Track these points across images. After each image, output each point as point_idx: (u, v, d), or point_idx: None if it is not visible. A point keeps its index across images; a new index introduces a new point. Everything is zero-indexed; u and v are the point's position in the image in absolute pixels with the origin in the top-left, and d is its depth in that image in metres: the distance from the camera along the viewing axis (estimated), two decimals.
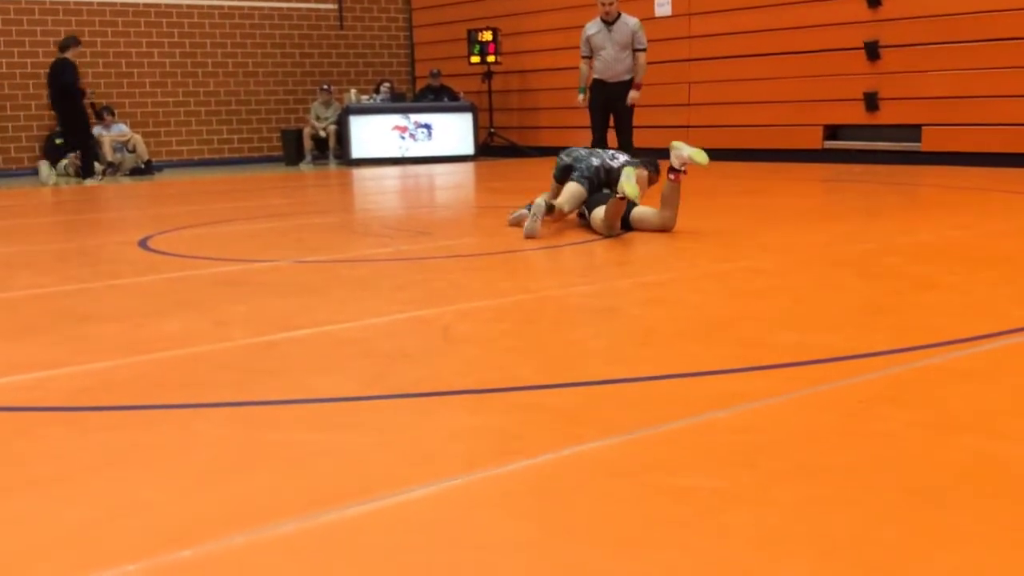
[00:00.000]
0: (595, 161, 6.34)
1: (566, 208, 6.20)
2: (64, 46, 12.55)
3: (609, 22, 8.86)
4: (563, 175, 6.45)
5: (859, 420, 2.55)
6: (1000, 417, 2.56)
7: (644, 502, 2.08)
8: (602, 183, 6.28)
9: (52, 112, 13.25)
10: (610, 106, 9.10)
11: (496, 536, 1.95)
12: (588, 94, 9.19)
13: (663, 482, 2.17)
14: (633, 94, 9.02)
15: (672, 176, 5.86)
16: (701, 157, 5.74)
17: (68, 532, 2.01)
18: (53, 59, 12.74)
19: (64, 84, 12.32)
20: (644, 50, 8.99)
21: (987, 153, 10.18)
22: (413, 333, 3.74)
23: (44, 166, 13.10)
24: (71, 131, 12.71)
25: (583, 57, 9.14)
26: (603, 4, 8.82)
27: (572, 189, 6.22)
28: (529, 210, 6.14)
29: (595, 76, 9.06)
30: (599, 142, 9.12)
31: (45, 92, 14.20)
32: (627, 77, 8.99)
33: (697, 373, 3.04)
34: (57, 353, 3.53)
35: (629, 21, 8.92)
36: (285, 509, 2.07)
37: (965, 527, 1.91)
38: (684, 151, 5.77)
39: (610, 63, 8.93)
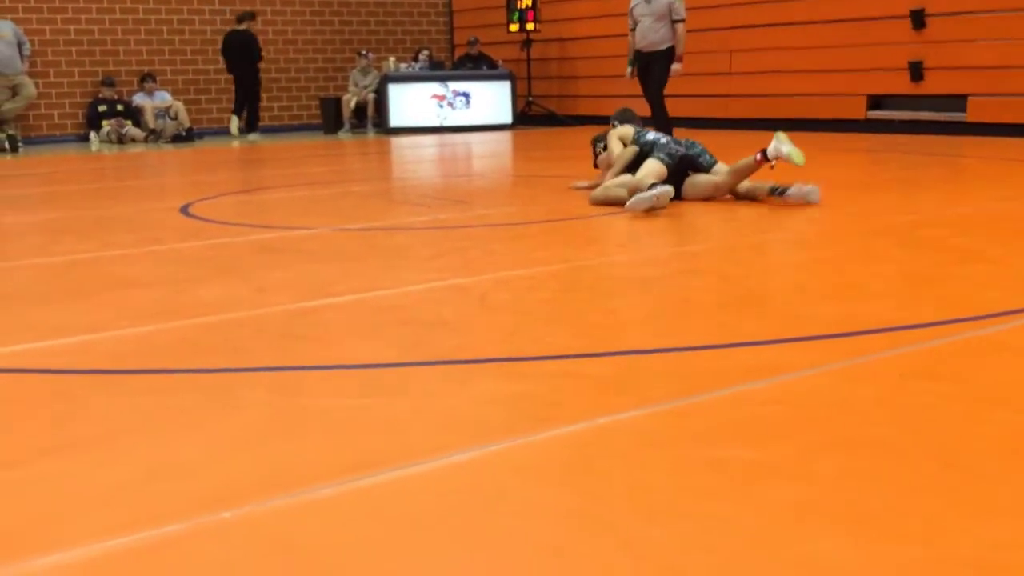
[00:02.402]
0: (679, 148, 6.10)
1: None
2: (242, 19, 14.08)
3: None
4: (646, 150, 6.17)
5: (898, 393, 2.53)
6: None
7: (680, 472, 2.08)
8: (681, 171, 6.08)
9: (232, 76, 14.38)
10: (646, 74, 9.24)
11: (533, 502, 1.96)
12: (635, 66, 9.36)
13: (699, 452, 2.17)
14: (675, 67, 9.16)
15: (759, 158, 5.75)
16: (799, 158, 5.64)
17: (109, 492, 2.05)
18: (230, 29, 14.27)
19: (250, 54, 14.02)
20: (682, 20, 9.06)
21: None
22: (451, 301, 3.75)
23: (93, 136, 13.37)
24: (248, 95, 14.25)
25: (631, 30, 9.28)
26: None
27: (654, 167, 6.00)
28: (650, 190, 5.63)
29: (636, 46, 9.21)
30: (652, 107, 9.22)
31: (87, 59, 14.34)
32: (662, 47, 9.09)
33: (735, 344, 3.02)
34: (99, 317, 3.58)
35: None
36: (324, 473, 2.09)
37: (1003, 501, 1.89)
38: (784, 147, 5.66)
39: (645, 32, 9.09)
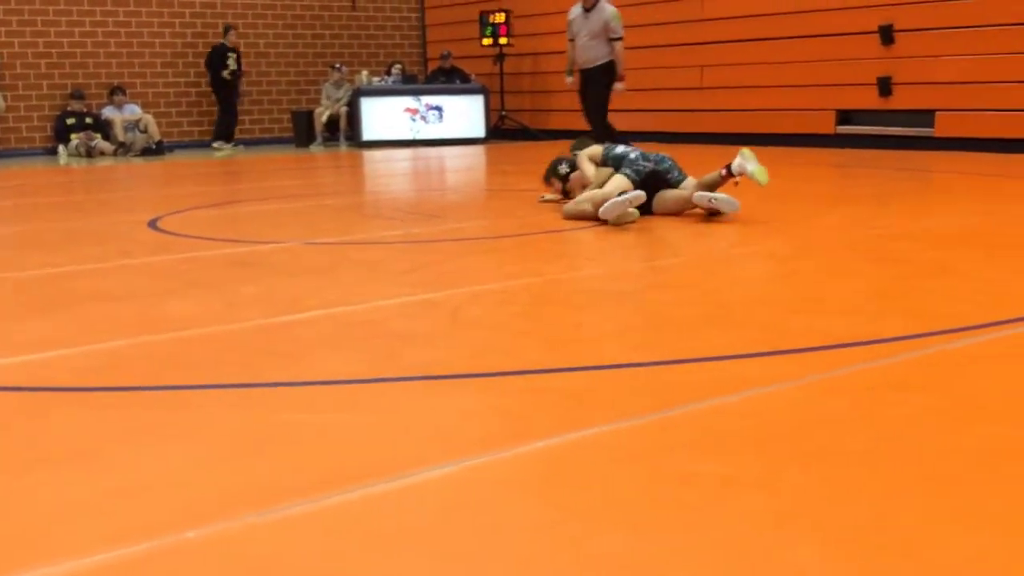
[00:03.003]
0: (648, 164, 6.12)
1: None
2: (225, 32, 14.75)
3: (587, 8, 8.95)
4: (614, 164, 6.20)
5: (871, 406, 2.54)
6: (1014, 403, 2.54)
7: (653, 486, 2.07)
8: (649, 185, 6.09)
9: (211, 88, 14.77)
10: (584, 91, 9.18)
11: (505, 518, 1.95)
12: (576, 76, 9.35)
13: (672, 467, 2.16)
14: (618, 86, 9.08)
15: (724, 173, 5.78)
16: (762, 176, 5.66)
17: (75, 511, 2.02)
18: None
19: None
20: (619, 39, 9.00)
21: (1001, 139, 10.11)
22: (423, 315, 3.73)
23: (61, 149, 13.32)
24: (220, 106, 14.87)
25: (569, 40, 9.24)
26: None
27: (620, 182, 5.98)
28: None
29: (576, 62, 9.17)
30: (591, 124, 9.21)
31: (56, 72, 14.23)
32: (598, 63, 9.01)
33: (707, 358, 3.03)
34: (67, 333, 3.54)
35: (605, 9, 8.94)
36: (294, 490, 2.06)
37: (980, 512, 1.90)
38: (748, 165, 5.67)
39: (581, 49, 9.02)
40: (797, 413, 2.50)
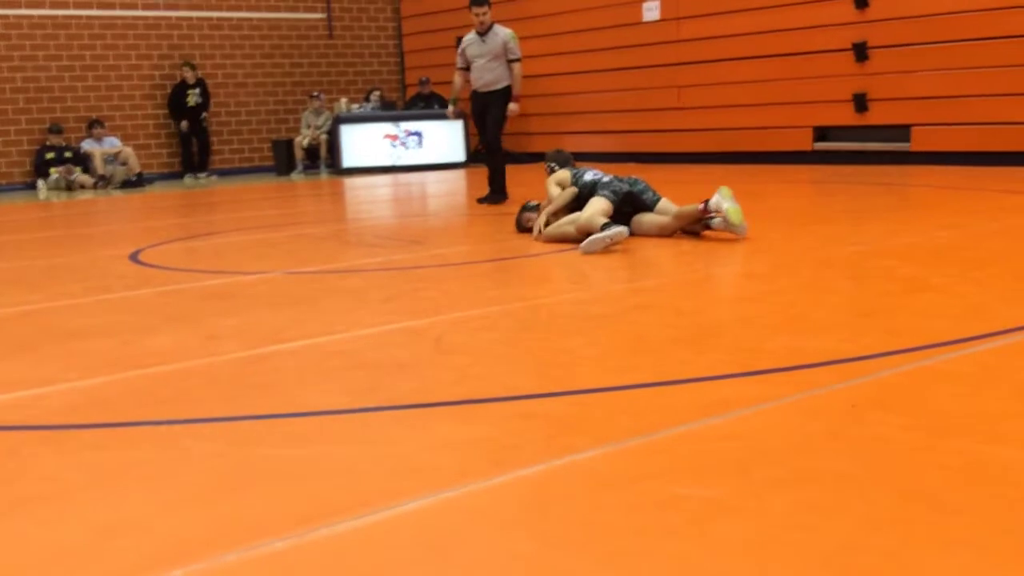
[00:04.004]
0: (623, 186, 6.16)
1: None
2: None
3: (482, 33, 8.92)
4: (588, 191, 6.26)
5: (851, 425, 2.55)
6: (994, 419, 2.56)
7: (636, 511, 2.08)
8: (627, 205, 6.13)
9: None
10: (483, 114, 9.12)
11: (488, 548, 1.95)
12: (457, 105, 9.49)
13: (655, 491, 2.17)
14: (513, 107, 9.03)
15: (701, 208, 5.80)
16: (736, 217, 5.65)
17: (57, 552, 2.00)
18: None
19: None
20: (518, 60, 8.97)
21: (976, 152, 10.20)
22: (405, 344, 3.73)
23: (40, 183, 13.33)
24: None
25: (458, 69, 9.20)
26: (476, 16, 8.86)
27: (601, 204, 6.01)
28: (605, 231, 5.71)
29: (472, 86, 9.11)
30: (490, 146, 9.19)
31: (35, 106, 14.22)
32: (498, 86, 8.98)
33: (689, 380, 3.04)
34: (46, 370, 3.52)
35: (501, 32, 8.93)
36: (277, 526, 2.06)
37: (959, 532, 1.91)
38: (725, 203, 5.68)
39: (480, 73, 8.98)
40: (778, 435, 2.51)
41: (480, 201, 9.02)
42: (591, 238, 5.62)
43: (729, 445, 2.44)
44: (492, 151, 9.12)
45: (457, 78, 9.23)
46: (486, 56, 8.88)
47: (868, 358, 3.14)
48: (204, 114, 14.92)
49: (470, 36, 9.01)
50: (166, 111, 15.17)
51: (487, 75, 8.95)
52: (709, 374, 3.07)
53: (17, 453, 2.68)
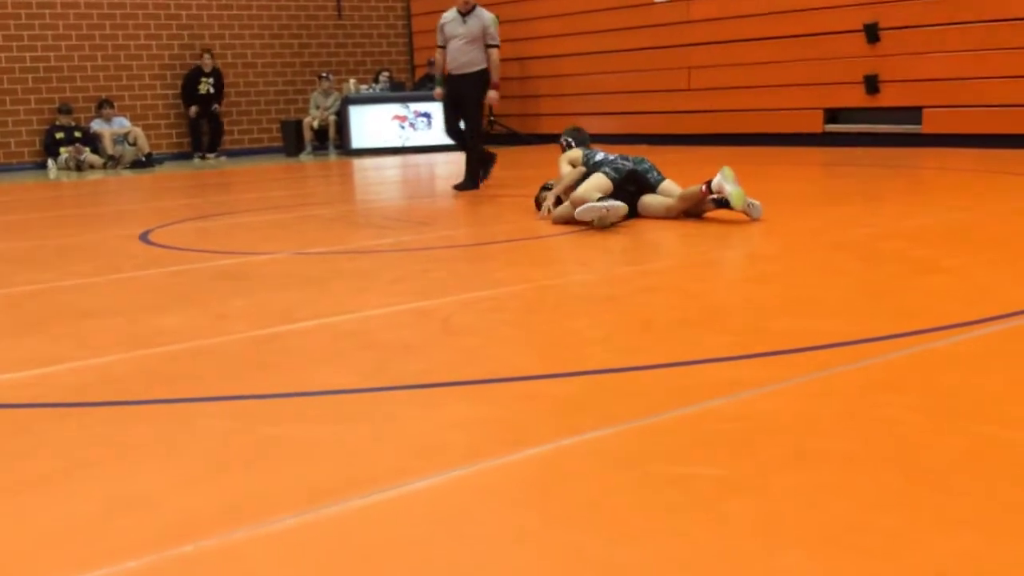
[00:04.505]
0: (627, 164, 6.18)
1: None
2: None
3: (464, 13, 8.57)
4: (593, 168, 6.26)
5: (859, 406, 2.55)
6: (1001, 401, 2.56)
7: (644, 491, 2.08)
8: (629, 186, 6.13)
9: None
10: (457, 98, 8.75)
11: (498, 527, 1.96)
12: (445, 86, 8.87)
13: (663, 471, 2.17)
14: (491, 94, 8.69)
15: (704, 189, 5.78)
16: (738, 201, 5.61)
17: (69, 528, 2.02)
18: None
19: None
20: (497, 46, 8.63)
21: (988, 134, 10.15)
22: (413, 324, 3.74)
23: (50, 163, 13.36)
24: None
25: (438, 47, 8.82)
26: None
27: (598, 180, 6.00)
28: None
29: (448, 67, 8.75)
30: (451, 134, 8.88)
31: (44, 86, 14.23)
32: (473, 69, 8.62)
33: (697, 361, 3.04)
34: (58, 349, 3.54)
35: (484, 15, 8.57)
36: (287, 503, 2.07)
37: (966, 513, 1.91)
38: (728, 186, 5.64)
39: (455, 54, 8.62)
40: (789, 415, 2.52)
41: (456, 188, 8.78)
42: (586, 205, 5.63)
43: (737, 425, 2.44)
44: (472, 136, 8.82)
45: (439, 57, 8.85)
46: (465, 37, 8.55)
47: (877, 340, 3.14)
48: (216, 106, 14.97)
49: (450, 14, 8.66)
50: (176, 91, 15.17)
51: (462, 57, 8.60)
52: (717, 355, 3.08)
53: (29, 430, 2.70)
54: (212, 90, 14.88)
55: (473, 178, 8.75)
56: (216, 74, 14.92)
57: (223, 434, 2.57)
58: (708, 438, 2.37)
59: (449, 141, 9.11)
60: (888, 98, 11.02)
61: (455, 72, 8.70)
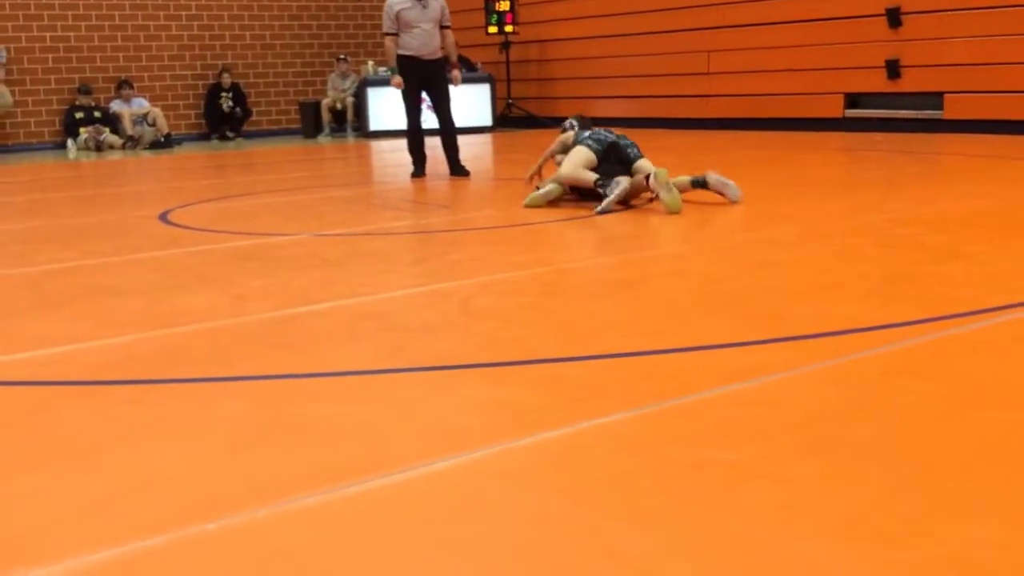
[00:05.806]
0: (610, 137, 6.25)
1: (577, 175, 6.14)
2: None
3: None
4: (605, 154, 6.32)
5: (878, 393, 2.55)
6: (1020, 388, 2.55)
7: (661, 475, 2.09)
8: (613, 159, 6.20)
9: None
10: (427, 83, 8.73)
11: (515, 509, 1.97)
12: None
13: (680, 455, 2.18)
14: (455, 74, 8.76)
15: (646, 183, 5.83)
16: (672, 204, 5.63)
17: (91, 505, 2.04)
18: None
19: None
20: (450, 27, 8.69)
21: (1010, 120, 10.07)
22: (432, 306, 3.75)
23: (70, 143, 13.41)
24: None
25: (387, 34, 8.65)
26: None
27: (582, 154, 6.11)
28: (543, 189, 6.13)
29: (408, 53, 8.58)
30: (416, 123, 8.85)
31: (64, 66, 14.28)
32: (440, 55, 8.66)
33: (715, 345, 3.04)
34: (79, 327, 3.57)
35: None
36: (307, 482, 2.09)
37: (984, 501, 1.91)
38: (662, 192, 5.65)
39: (425, 39, 8.53)
40: (806, 401, 2.52)
41: (413, 175, 8.76)
42: (605, 202, 5.72)
43: (755, 411, 2.44)
44: (446, 123, 8.80)
45: (390, 44, 8.66)
46: (429, 22, 8.49)
47: (896, 326, 3.14)
48: (239, 123, 15.05)
49: (402, 1, 8.48)
50: (194, 71, 15.20)
51: (433, 41, 8.56)
52: (735, 340, 3.08)
53: (50, 407, 2.73)
54: (232, 105, 14.88)
55: (458, 165, 8.78)
56: (236, 89, 14.92)
57: (244, 413, 2.59)
58: (725, 423, 2.37)
59: (425, 127, 9.04)
60: (909, 83, 10.94)
61: (427, 57, 8.63)
